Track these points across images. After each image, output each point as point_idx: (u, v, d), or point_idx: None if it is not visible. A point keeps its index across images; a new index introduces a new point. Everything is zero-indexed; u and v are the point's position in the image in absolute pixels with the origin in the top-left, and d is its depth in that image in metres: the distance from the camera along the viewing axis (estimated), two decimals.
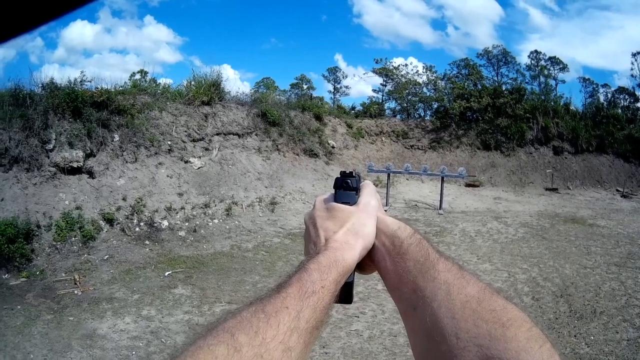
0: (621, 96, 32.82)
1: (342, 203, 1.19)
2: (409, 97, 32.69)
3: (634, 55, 32.30)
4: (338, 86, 38.28)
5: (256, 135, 19.76)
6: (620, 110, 31.36)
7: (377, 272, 1.16)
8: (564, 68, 34.16)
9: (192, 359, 0.69)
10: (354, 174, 1.24)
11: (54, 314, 7.85)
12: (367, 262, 1.15)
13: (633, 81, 32.48)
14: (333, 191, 1.25)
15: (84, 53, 53.71)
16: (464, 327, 0.84)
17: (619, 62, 66.47)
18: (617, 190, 25.54)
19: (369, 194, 1.23)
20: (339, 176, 1.24)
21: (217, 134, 17.99)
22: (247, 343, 0.73)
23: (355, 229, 1.12)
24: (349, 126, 26.99)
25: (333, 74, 38.23)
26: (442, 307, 0.89)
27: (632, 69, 32.39)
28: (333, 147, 23.95)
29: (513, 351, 0.75)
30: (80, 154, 12.76)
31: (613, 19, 59.20)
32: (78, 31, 45.71)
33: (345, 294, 1.06)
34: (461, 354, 0.81)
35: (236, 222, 14.57)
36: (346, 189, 1.22)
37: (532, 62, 33.95)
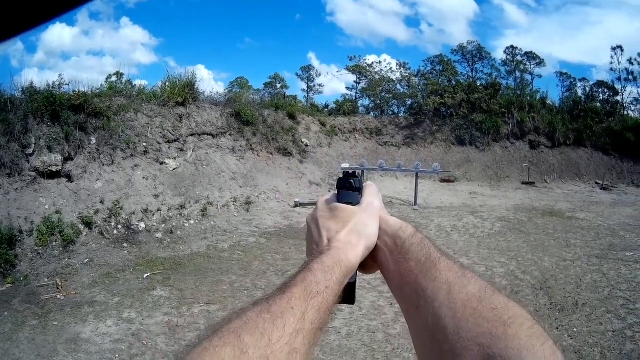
0: (600, 90, 33.29)
1: (345, 203, 1.20)
2: (383, 94, 32.95)
3: (613, 49, 32.75)
4: (312, 84, 38.38)
5: (230, 135, 19.85)
6: (599, 104, 31.72)
7: (379, 272, 1.18)
8: (540, 63, 34.53)
9: None
10: (356, 174, 1.25)
11: (39, 319, 7.92)
12: (370, 262, 1.16)
13: (612, 75, 32.94)
14: (336, 191, 1.26)
15: (62, 56, 53.31)
16: (465, 326, 0.84)
17: (598, 57, 66.96)
18: (597, 183, 25.86)
19: (372, 194, 1.24)
20: (342, 176, 1.25)
21: (192, 135, 18.05)
22: (254, 344, 0.73)
23: (358, 229, 1.13)
24: (323, 124, 27.03)
25: (306, 72, 38.29)
26: (443, 306, 0.90)
27: (611, 63, 32.81)
28: (307, 145, 24.04)
29: (515, 350, 0.75)
30: (59, 157, 12.82)
31: (592, 14, 59.71)
32: (57, 34, 45.24)
33: (347, 295, 1.09)
34: (463, 354, 0.81)
35: (212, 223, 14.66)
36: (349, 189, 1.23)
37: (508, 57, 34.33)
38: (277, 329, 0.77)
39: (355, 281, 1.11)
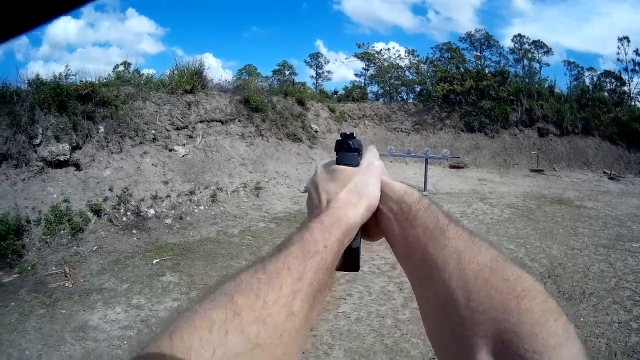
0: (607, 80, 33.11)
1: (345, 165, 1.17)
2: (392, 80, 33.00)
3: (620, 39, 32.74)
4: (320, 71, 38.71)
5: (239, 121, 19.84)
6: (606, 94, 31.50)
7: (385, 239, 1.13)
8: (548, 52, 34.65)
9: (187, 324, 0.66)
10: (354, 136, 1.22)
11: (47, 308, 7.93)
12: (374, 229, 1.12)
13: (619, 65, 32.84)
14: (335, 155, 1.23)
15: (68, 48, 53.88)
16: (477, 298, 0.81)
17: (605, 46, 67.14)
18: (604, 172, 25.55)
19: (372, 155, 1.22)
20: (340, 138, 1.22)
21: (201, 122, 18.04)
22: (248, 306, 0.70)
23: (358, 188, 1.09)
24: (332, 110, 27.09)
25: (315, 59, 38.61)
26: (453, 277, 0.86)
27: (618, 53, 32.79)
28: (316, 131, 24.05)
29: (527, 324, 0.72)
30: (67, 147, 12.83)
31: (600, 4, 59.68)
32: (62, 27, 45.53)
33: (352, 261, 1.06)
34: (473, 328, 0.78)
35: (221, 208, 14.68)
36: (347, 150, 1.20)
37: (516, 45, 34.44)
38: (273, 290, 0.75)
39: (359, 247, 1.08)
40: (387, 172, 1.19)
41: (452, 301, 0.83)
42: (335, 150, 1.22)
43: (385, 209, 1.08)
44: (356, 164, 1.17)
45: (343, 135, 1.22)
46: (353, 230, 1.01)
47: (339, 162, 1.19)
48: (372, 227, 1.11)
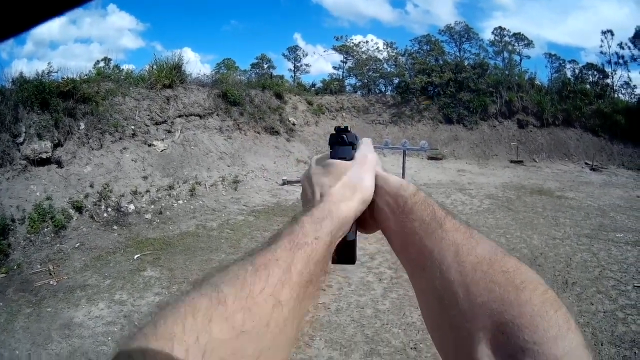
0: (589, 72, 33.68)
1: (339, 159, 1.16)
2: (370, 73, 33.10)
3: (603, 32, 33.35)
4: (298, 64, 38.75)
5: (217, 115, 20.05)
6: (588, 86, 31.91)
7: (381, 233, 1.12)
8: (528, 44, 34.89)
9: (172, 312, 0.66)
10: (348, 129, 1.21)
11: (33, 307, 8.04)
12: (370, 221, 1.11)
13: (602, 58, 33.43)
14: (329, 149, 1.21)
15: (51, 45, 53.54)
16: (475, 291, 0.80)
17: (588, 39, 67.36)
18: (586, 164, 25.95)
19: (366, 149, 1.19)
20: (334, 132, 1.21)
21: (179, 116, 18.24)
22: (233, 295, 0.69)
23: (352, 182, 1.07)
24: (310, 103, 27.20)
25: (293, 52, 38.67)
26: (451, 269, 0.85)
27: (601, 46, 33.42)
28: (294, 124, 24.22)
29: (527, 316, 0.72)
30: (49, 144, 12.97)
31: None
32: (45, 24, 45.32)
33: (347, 254, 1.06)
34: (473, 319, 0.77)
35: (200, 202, 14.86)
36: (341, 144, 1.19)
37: (496, 38, 34.57)
38: (260, 280, 0.74)
39: (355, 240, 1.08)
40: (380, 163, 1.18)
41: (450, 293, 0.83)
42: (329, 144, 1.22)
43: (381, 202, 1.08)
44: (350, 158, 1.16)
45: (337, 129, 1.22)
46: (346, 223, 1.01)
47: (333, 156, 1.18)
48: (368, 219, 1.11)
